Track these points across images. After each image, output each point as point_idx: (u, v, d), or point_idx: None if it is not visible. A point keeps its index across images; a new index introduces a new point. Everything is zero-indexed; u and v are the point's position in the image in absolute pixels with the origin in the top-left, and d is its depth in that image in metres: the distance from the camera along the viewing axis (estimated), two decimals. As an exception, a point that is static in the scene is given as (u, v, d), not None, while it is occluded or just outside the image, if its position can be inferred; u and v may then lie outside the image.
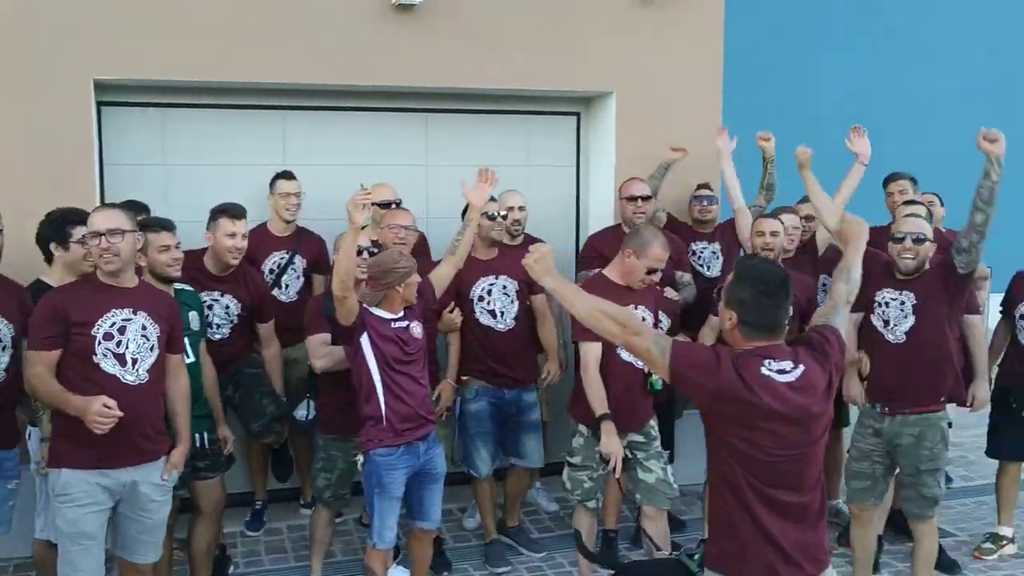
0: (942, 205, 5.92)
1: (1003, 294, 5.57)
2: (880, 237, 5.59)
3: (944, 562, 5.26)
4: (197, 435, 4.43)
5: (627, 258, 4.60)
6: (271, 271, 5.48)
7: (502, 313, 5.24)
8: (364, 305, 4.29)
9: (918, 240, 4.56)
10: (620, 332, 3.05)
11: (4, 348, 4.12)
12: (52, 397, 3.71)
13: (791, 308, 3.06)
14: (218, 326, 4.97)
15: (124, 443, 3.73)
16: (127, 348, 3.77)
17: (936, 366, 4.57)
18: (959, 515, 6.06)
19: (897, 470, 4.76)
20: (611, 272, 4.72)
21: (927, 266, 4.62)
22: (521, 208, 5.65)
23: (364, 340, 4.24)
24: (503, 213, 5.29)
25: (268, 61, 5.54)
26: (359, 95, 6.03)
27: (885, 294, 4.67)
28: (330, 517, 4.90)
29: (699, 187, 6.12)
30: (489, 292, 5.23)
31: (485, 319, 5.23)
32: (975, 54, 12.08)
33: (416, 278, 4.35)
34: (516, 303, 5.27)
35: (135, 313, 3.81)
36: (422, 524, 4.56)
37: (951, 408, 4.86)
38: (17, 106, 5.13)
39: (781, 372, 2.91)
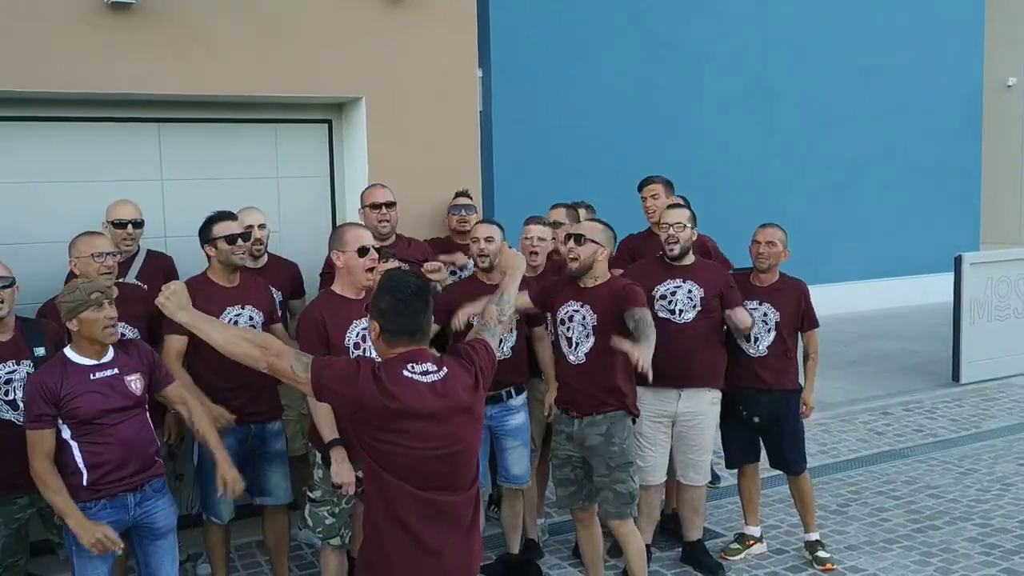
0: (669, 195, 5.83)
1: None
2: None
3: (707, 564, 5.27)
4: None
5: (338, 261, 4.38)
6: None
7: None
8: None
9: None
10: (262, 355, 3.09)
11: None
12: None
13: (431, 315, 3.21)
14: None
15: None
16: None
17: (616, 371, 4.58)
18: (728, 514, 6.08)
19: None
20: (338, 287, 4.43)
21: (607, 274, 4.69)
22: (262, 226, 5.24)
23: None
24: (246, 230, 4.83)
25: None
26: (78, 104, 5.44)
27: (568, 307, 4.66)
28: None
29: (458, 195, 5.90)
30: (235, 324, 4.60)
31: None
32: (740, 59, 12.60)
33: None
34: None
35: None
36: None
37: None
38: None
39: (424, 374, 3.03)
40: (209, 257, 4.70)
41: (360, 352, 4.30)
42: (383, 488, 3.00)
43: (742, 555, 5.44)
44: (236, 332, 3.25)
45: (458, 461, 3.08)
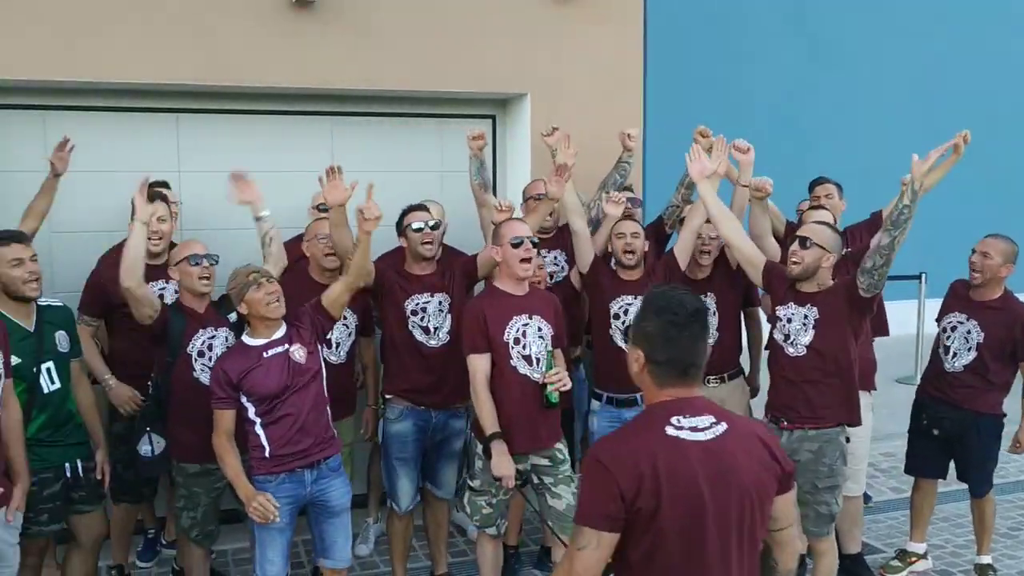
0: (841, 198, 5.68)
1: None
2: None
3: (865, 578, 5.10)
4: (68, 464, 4.10)
5: (496, 255, 4.42)
6: None
7: (435, 329, 4.75)
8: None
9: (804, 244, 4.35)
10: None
11: None
12: None
13: (708, 344, 2.56)
14: None
15: None
16: None
17: (836, 382, 4.32)
18: (887, 529, 5.87)
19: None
20: (499, 281, 4.48)
21: (830, 281, 4.40)
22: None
23: None
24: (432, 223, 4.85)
25: (156, 60, 5.20)
26: (259, 98, 5.71)
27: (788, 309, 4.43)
28: (204, 554, 4.53)
29: (621, 190, 5.88)
30: (424, 309, 4.75)
31: (419, 334, 4.73)
32: (903, 63, 12.11)
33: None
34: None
35: None
36: (323, 562, 4.17)
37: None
38: None
39: (695, 429, 2.41)
40: (402, 247, 4.84)
41: (519, 348, 4.32)
42: None
43: (904, 573, 5.25)
44: None
45: (738, 540, 2.42)
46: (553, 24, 5.99)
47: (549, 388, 4.25)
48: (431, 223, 4.76)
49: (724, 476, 2.37)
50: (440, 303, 4.75)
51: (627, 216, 5.09)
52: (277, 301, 3.96)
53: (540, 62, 5.98)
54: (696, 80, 10.87)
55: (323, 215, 4.91)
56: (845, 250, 4.76)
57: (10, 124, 5.34)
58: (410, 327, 4.69)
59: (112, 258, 4.65)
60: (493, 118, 6.32)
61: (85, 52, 5.07)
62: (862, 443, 5.00)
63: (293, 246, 4.98)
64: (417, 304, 4.71)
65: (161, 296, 4.61)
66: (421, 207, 4.88)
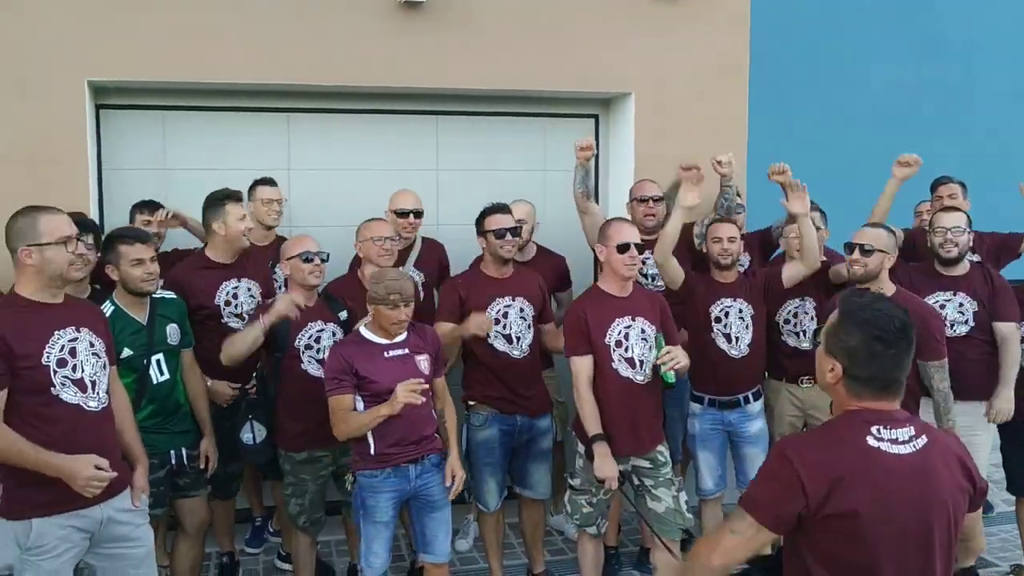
0: (965, 197, 5.51)
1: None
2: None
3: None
4: (174, 451, 4.25)
5: (601, 255, 4.39)
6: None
7: (518, 338, 4.74)
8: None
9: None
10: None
11: None
12: (19, 456, 3.19)
13: (911, 361, 2.47)
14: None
15: None
16: (83, 372, 3.41)
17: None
18: (1000, 543, 5.66)
19: None
20: (604, 283, 4.47)
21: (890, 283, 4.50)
22: (520, 221, 5.14)
23: None
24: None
25: (270, 62, 5.35)
26: (367, 97, 5.82)
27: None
28: (310, 541, 4.64)
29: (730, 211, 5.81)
30: (505, 315, 4.74)
31: (500, 344, 4.72)
32: (1018, 51, 11.63)
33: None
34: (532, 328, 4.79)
35: (79, 330, 3.45)
36: (424, 557, 4.20)
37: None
38: (10, 107, 4.99)
39: (895, 442, 2.36)
40: (482, 248, 4.85)
41: (621, 350, 4.30)
42: None
43: (1018, 588, 5.06)
44: None
45: (930, 557, 2.37)
46: (658, 22, 5.94)
47: (663, 369, 4.18)
48: (512, 227, 4.73)
49: (923, 491, 2.33)
50: (522, 310, 4.73)
51: (726, 219, 5.05)
52: (402, 327, 4.02)
53: (644, 61, 5.94)
54: (800, 77, 10.65)
55: (397, 219, 5.07)
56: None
57: (134, 124, 5.55)
58: (491, 339, 4.67)
59: (186, 261, 4.81)
60: (596, 117, 6.31)
61: (202, 54, 5.25)
62: (981, 451, 4.81)
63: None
64: (498, 311, 4.69)
65: (235, 295, 4.73)
66: (502, 208, 4.79)
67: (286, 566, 5.22)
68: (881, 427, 2.35)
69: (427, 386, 3.93)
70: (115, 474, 3.37)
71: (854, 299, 2.46)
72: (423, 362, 4.06)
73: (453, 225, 5.84)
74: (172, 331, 4.24)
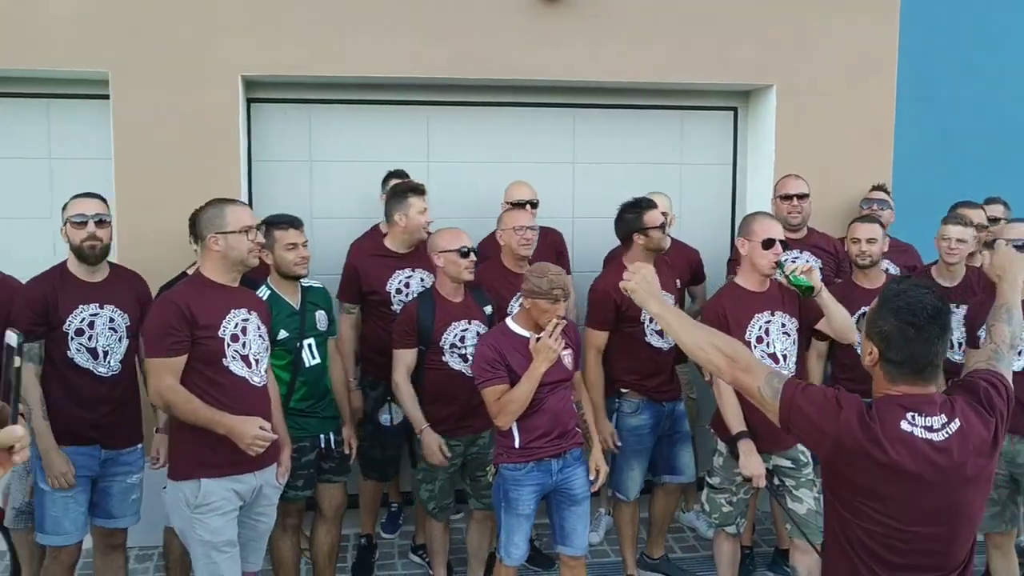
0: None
1: None
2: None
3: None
4: (323, 436, 4.39)
5: (743, 248, 4.30)
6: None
7: (661, 333, 4.70)
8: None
9: None
10: (727, 367, 2.69)
11: (120, 339, 4.08)
12: (194, 414, 3.50)
13: (948, 344, 2.53)
14: None
15: None
16: (250, 349, 3.70)
17: None
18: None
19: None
20: (741, 278, 4.38)
21: None
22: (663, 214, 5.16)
23: None
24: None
25: (412, 56, 5.44)
26: (504, 90, 5.85)
27: None
28: (443, 527, 4.73)
29: (873, 188, 5.67)
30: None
31: (656, 342, 4.73)
32: None
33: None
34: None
35: (250, 312, 3.74)
36: (562, 549, 4.21)
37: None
38: (166, 101, 5.22)
39: (929, 429, 2.41)
40: (639, 243, 4.72)
41: (762, 346, 4.23)
42: (852, 553, 2.50)
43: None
44: (706, 336, 2.78)
45: (953, 537, 2.47)
46: (801, 13, 5.80)
47: (793, 277, 4.09)
48: (661, 222, 4.72)
49: (950, 473, 2.41)
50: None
51: (869, 218, 4.89)
52: (560, 317, 3.99)
53: (786, 53, 5.80)
54: (947, 69, 10.21)
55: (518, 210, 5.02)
56: None
57: (282, 117, 5.73)
58: (647, 337, 4.71)
59: (363, 246, 4.98)
60: (735, 110, 6.20)
61: (346, 50, 5.37)
62: None
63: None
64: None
65: (407, 283, 4.86)
66: (646, 203, 4.74)
67: (416, 558, 5.33)
68: (916, 414, 2.42)
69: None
70: (276, 436, 3.64)
71: (892, 285, 2.56)
72: (567, 357, 4.07)
73: (589, 218, 5.84)
74: (321, 317, 4.38)
